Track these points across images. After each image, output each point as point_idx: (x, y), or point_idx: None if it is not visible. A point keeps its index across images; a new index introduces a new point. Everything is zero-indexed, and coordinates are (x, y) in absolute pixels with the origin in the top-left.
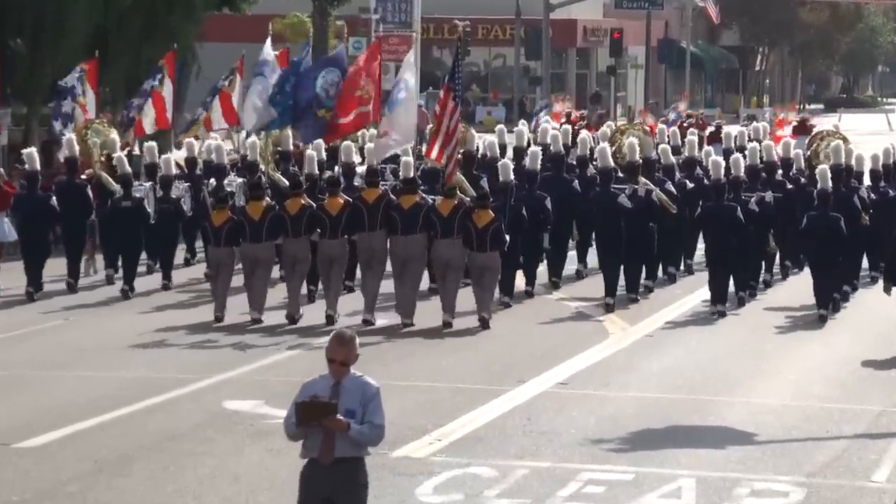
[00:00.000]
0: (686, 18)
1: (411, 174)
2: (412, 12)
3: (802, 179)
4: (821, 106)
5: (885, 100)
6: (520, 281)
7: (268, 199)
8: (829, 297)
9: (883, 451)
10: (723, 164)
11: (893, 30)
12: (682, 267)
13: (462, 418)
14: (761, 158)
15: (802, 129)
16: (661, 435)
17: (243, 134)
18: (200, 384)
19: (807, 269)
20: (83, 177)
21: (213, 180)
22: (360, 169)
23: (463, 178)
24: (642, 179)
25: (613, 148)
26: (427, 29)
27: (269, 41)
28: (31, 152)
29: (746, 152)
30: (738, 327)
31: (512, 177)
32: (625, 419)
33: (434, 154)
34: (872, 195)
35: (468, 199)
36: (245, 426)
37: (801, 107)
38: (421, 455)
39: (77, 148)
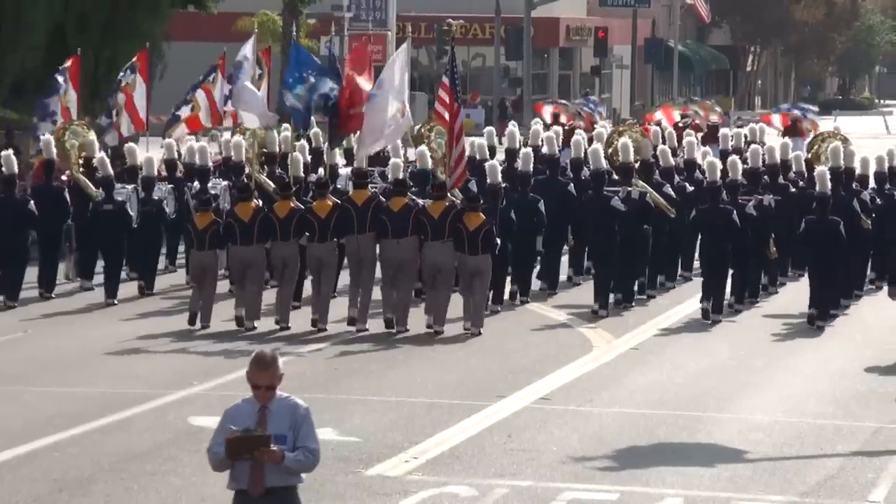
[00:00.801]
0: (674, 17)
1: (400, 176)
2: (387, 10)
3: (801, 182)
4: (815, 108)
5: (882, 102)
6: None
7: (257, 200)
8: (827, 305)
9: (880, 470)
10: (719, 165)
11: (891, 28)
12: (677, 277)
13: (439, 435)
14: (763, 161)
15: (794, 130)
16: (647, 452)
17: (227, 134)
18: (165, 400)
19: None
20: (63, 178)
21: (196, 182)
22: (344, 171)
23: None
24: (639, 182)
25: (610, 150)
26: (402, 28)
27: (251, 41)
28: (9, 155)
29: (748, 154)
30: (728, 339)
31: (500, 179)
32: (609, 436)
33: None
34: (877, 199)
35: (458, 201)
36: None
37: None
38: (396, 473)
39: (54, 150)
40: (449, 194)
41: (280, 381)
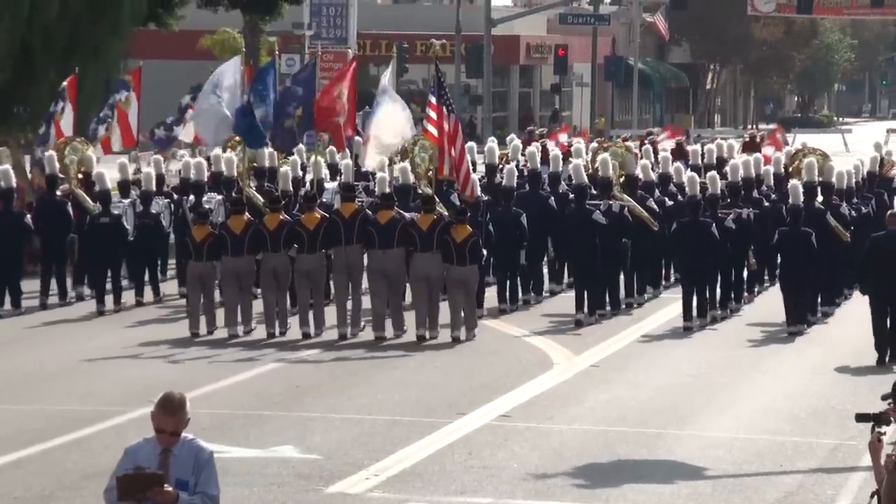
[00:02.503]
0: (634, 34)
1: (387, 190)
2: (347, 28)
3: (773, 196)
4: (774, 126)
5: (841, 119)
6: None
7: (247, 214)
8: (802, 314)
9: (839, 487)
10: (698, 180)
11: (850, 47)
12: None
13: (400, 452)
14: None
15: (752, 146)
16: (607, 469)
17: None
18: (126, 417)
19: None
20: (58, 193)
21: (191, 196)
22: (330, 185)
23: (434, 195)
24: (623, 196)
25: (596, 164)
26: (363, 45)
27: (237, 59)
28: (7, 170)
29: (727, 169)
30: (689, 356)
31: (479, 192)
32: (570, 453)
33: (446, 171)
34: (853, 212)
35: (447, 214)
36: None
37: (755, 126)
38: (357, 491)
39: (57, 165)
40: (458, 201)
41: (186, 426)
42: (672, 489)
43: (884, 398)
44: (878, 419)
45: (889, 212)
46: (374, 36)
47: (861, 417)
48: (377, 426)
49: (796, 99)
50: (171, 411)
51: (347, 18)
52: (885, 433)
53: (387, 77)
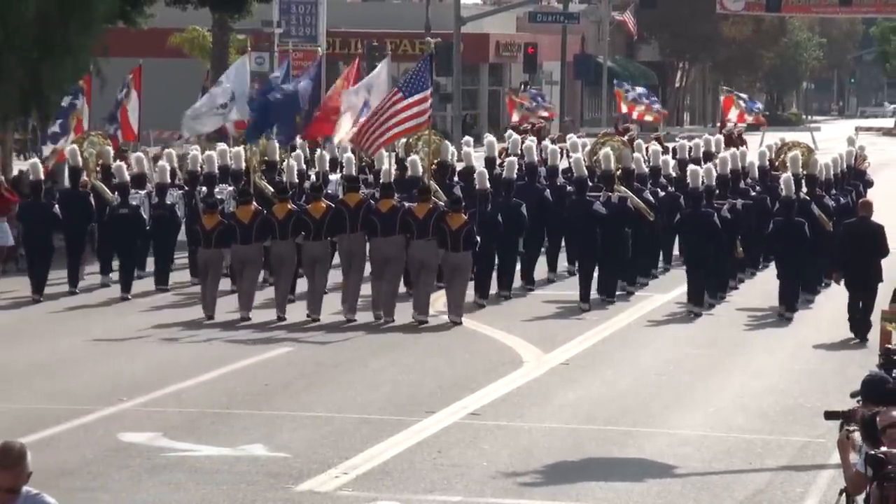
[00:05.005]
0: (603, 33)
1: (387, 180)
2: (317, 26)
3: (757, 187)
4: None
5: (810, 117)
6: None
7: (255, 203)
8: (794, 298)
9: (808, 484)
10: (701, 172)
11: (818, 45)
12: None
13: (369, 451)
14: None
15: (732, 142)
16: (577, 467)
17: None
18: (94, 416)
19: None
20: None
21: (203, 188)
22: (333, 177)
23: (437, 185)
24: (621, 187)
25: (595, 158)
26: (333, 44)
27: (245, 57)
28: (36, 163)
29: (716, 162)
30: (658, 354)
31: (488, 185)
32: (539, 451)
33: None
34: (833, 203)
35: (442, 202)
36: (141, 460)
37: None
38: (326, 489)
39: (80, 159)
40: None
41: (27, 481)
42: (642, 487)
43: (853, 396)
44: (847, 417)
45: (861, 200)
46: (343, 34)
47: (830, 415)
48: (346, 424)
49: (765, 97)
50: (8, 465)
51: (317, 16)
52: (853, 431)
53: (383, 72)
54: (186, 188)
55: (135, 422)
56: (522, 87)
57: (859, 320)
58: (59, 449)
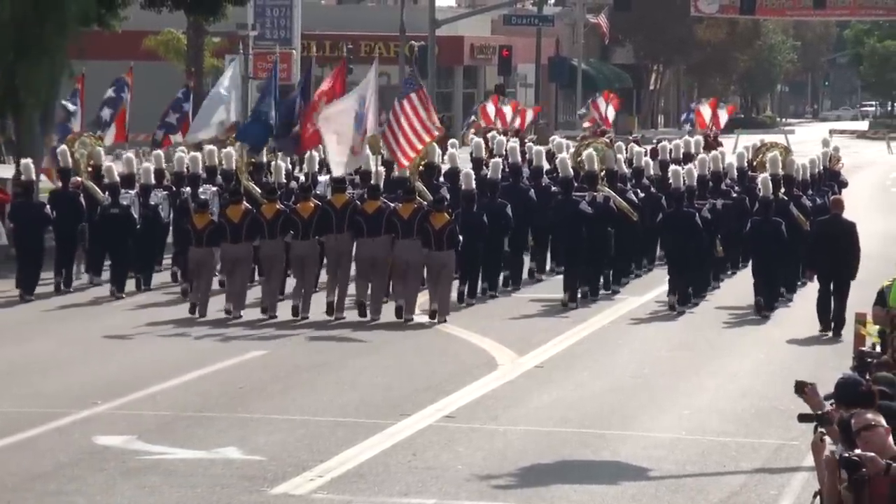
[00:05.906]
0: (577, 35)
1: (374, 182)
2: (292, 29)
3: (736, 188)
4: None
5: (784, 120)
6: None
7: (245, 203)
8: (772, 295)
9: (782, 487)
10: (682, 172)
11: (792, 48)
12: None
13: (344, 453)
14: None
15: (710, 146)
16: (551, 470)
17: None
18: (69, 419)
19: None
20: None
21: (188, 188)
22: (322, 178)
23: (423, 186)
24: (604, 188)
25: (579, 159)
26: (307, 46)
27: (236, 62)
28: (28, 163)
29: (695, 163)
30: (633, 356)
31: (474, 185)
32: (514, 454)
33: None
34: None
35: (426, 202)
36: (116, 463)
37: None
38: (301, 492)
39: (70, 159)
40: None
41: None
42: (616, 490)
43: (826, 398)
44: (821, 420)
45: (833, 197)
46: (318, 36)
47: (804, 418)
48: (321, 427)
49: (739, 100)
50: None
51: (292, 19)
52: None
53: (371, 78)
54: (173, 188)
55: (110, 424)
56: (496, 89)
57: (833, 316)
58: (33, 452)
